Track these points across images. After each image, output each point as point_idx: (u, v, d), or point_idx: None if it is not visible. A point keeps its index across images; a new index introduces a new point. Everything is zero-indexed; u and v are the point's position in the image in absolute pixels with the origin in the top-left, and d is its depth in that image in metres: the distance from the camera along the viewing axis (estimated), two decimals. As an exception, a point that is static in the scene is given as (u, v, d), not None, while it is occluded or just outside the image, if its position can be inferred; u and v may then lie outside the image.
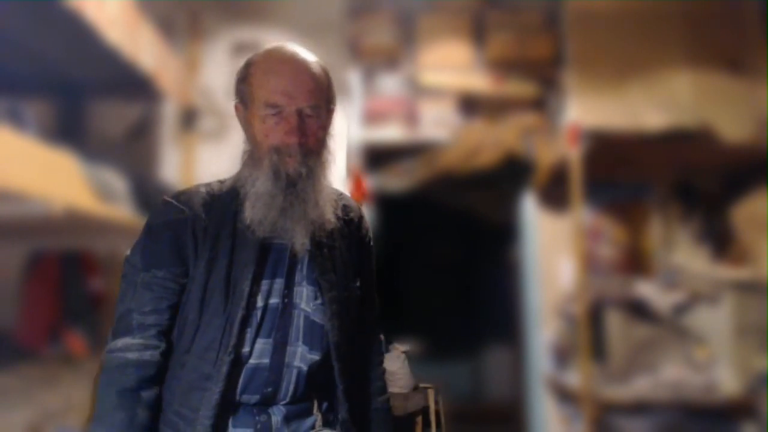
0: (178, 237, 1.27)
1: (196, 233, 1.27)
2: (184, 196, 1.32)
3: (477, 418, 5.19)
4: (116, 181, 3.23)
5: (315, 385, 1.30)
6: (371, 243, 1.46)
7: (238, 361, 1.23)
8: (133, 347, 1.23)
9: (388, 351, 1.74)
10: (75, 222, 2.85)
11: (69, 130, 3.94)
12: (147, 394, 1.23)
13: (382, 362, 1.47)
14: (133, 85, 3.72)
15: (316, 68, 1.30)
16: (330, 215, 1.30)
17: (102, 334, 3.66)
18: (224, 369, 1.22)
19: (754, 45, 4.18)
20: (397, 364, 1.66)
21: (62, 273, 3.71)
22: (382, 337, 1.50)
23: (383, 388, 1.44)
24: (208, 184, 1.36)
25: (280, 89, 1.26)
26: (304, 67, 1.29)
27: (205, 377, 1.22)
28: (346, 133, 1.73)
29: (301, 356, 1.28)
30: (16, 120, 2.62)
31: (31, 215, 2.59)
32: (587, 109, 4.15)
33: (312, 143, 1.28)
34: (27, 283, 3.61)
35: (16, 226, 3.01)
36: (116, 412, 1.19)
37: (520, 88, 4.45)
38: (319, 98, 1.29)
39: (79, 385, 2.83)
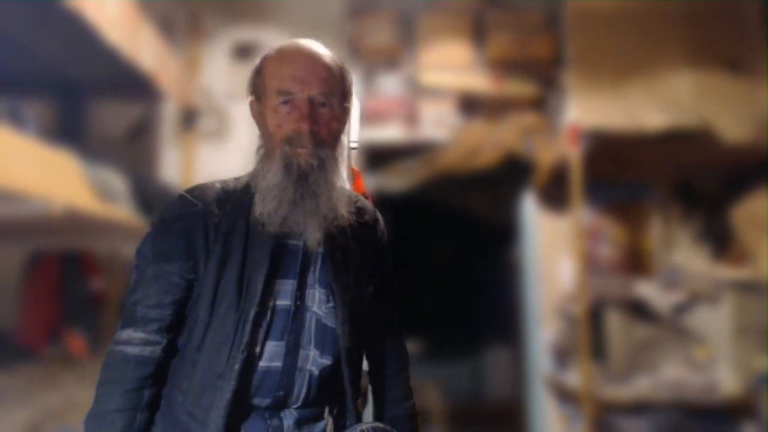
0: (188, 231, 1.24)
1: (207, 228, 1.25)
2: (197, 191, 1.29)
3: (477, 418, 5.19)
4: (116, 181, 3.23)
5: (326, 389, 1.27)
6: (388, 247, 1.43)
7: (250, 361, 1.21)
8: (134, 341, 1.21)
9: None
10: (75, 222, 2.84)
11: (69, 130, 3.95)
12: (147, 394, 1.21)
13: (406, 368, 1.43)
14: (133, 85, 3.72)
15: (329, 60, 1.28)
16: (343, 210, 1.27)
17: (102, 334, 3.66)
18: (237, 367, 1.19)
19: (754, 45, 4.18)
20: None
21: (62, 273, 3.71)
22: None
23: (407, 395, 1.41)
24: (223, 181, 1.33)
25: (291, 75, 1.25)
26: (316, 56, 1.27)
27: (218, 376, 1.20)
28: (351, 132, 1.70)
29: (312, 360, 1.25)
30: (16, 120, 2.62)
31: (31, 215, 2.59)
32: (587, 109, 4.15)
33: (324, 133, 1.25)
34: (27, 283, 3.61)
35: (16, 226, 3.01)
36: (116, 415, 1.18)
37: (520, 88, 4.45)
38: (332, 87, 1.27)
39: (79, 385, 2.84)
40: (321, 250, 1.27)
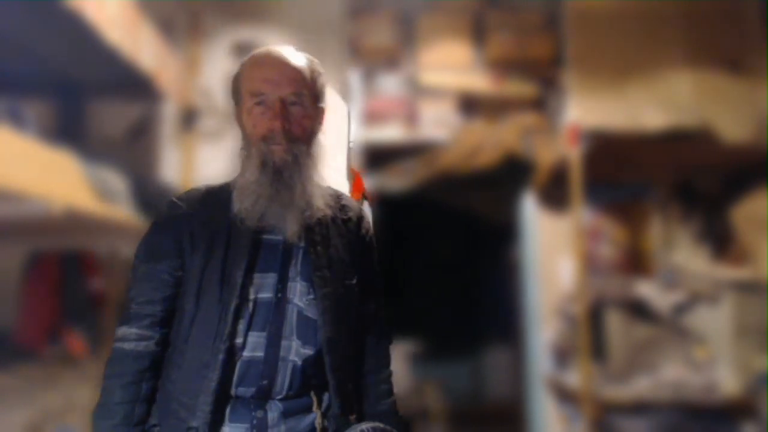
0: (175, 231, 1.33)
1: (192, 228, 1.33)
2: (184, 195, 1.39)
3: (477, 418, 5.19)
4: (116, 181, 3.23)
5: (311, 380, 1.31)
6: (373, 244, 1.45)
7: (232, 351, 1.26)
8: (129, 337, 1.30)
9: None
10: (75, 222, 2.84)
11: (69, 130, 3.94)
12: (145, 387, 1.28)
13: (388, 365, 1.45)
14: (133, 85, 3.72)
15: (300, 62, 1.35)
16: (319, 203, 1.33)
17: (102, 334, 3.66)
18: (220, 357, 1.24)
19: (754, 45, 4.17)
20: (397, 364, 1.66)
21: (62, 273, 3.71)
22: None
23: (389, 391, 1.43)
24: (209, 184, 1.41)
25: (263, 78, 1.32)
26: (286, 59, 1.35)
27: (204, 365, 1.25)
28: (347, 133, 1.72)
29: (295, 351, 1.29)
30: (16, 120, 2.62)
31: (31, 215, 2.59)
32: (587, 109, 4.15)
33: (297, 131, 1.32)
34: (27, 283, 3.61)
35: (16, 226, 3.01)
36: (117, 407, 1.26)
37: (520, 88, 4.45)
38: (303, 87, 1.33)
39: (79, 385, 2.84)
40: (302, 244, 1.33)
